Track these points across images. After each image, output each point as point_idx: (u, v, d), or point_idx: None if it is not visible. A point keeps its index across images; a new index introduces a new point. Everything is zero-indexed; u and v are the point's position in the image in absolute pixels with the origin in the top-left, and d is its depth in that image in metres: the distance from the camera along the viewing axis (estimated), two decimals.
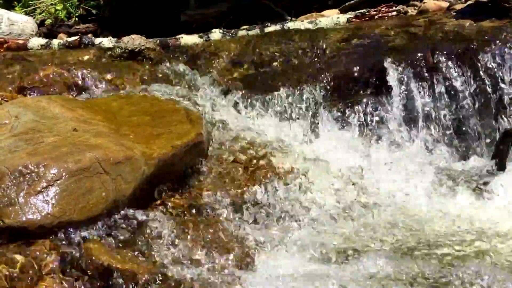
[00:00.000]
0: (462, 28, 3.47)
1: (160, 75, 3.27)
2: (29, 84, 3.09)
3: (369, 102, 3.13)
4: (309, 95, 3.14)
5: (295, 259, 2.27)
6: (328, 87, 3.17)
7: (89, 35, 4.09)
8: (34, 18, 4.60)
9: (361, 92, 3.19)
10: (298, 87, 3.17)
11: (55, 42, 3.73)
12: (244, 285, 2.07)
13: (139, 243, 2.13)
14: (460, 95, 3.17)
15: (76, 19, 4.76)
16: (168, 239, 2.17)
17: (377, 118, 3.11)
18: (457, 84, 3.18)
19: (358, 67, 3.24)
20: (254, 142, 2.77)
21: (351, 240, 2.40)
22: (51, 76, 3.11)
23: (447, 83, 3.18)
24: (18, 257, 1.91)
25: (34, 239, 1.95)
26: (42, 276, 1.91)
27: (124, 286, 1.96)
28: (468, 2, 3.78)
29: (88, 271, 1.97)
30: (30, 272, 1.90)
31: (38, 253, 1.93)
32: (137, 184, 2.19)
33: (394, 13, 3.89)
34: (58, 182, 2.02)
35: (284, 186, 2.59)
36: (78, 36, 3.78)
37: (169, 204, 2.36)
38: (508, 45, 3.25)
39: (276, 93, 3.14)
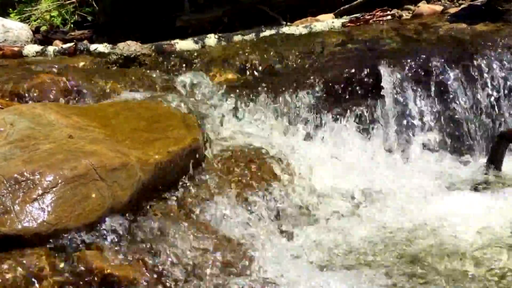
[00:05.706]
0: (456, 31, 3.49)
1: (156, 81, 3.27)
2: (24, 91, 3.08)
3: (364, 105, 3.14)
4: (305, 98, 3.15)
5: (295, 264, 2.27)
6: (324, 91, 3.18)
7: (85, 42, 4.10)
8: (29, 25, 4.61)
9: (357, 95, 3.19)
10: (294, 91, 3.17)
11: (51, 49, 3.73)
12: None
13: (137, 249, 2.12)
14: (455, 97, 3.18)
15: (72, 25, 4.76)
16: (165, 245, 2.16)
17: (372, 120, 3.11)
18: (452, 86, 3.19)
19: (353, 71, 3.25)
20: (252, 146, 2.77)
21: None
22: (46, 83, 3.10)
23: (441, 86, 3.19)
24: (14, 266, 1.90)
25: (30, 247, 1.94)
26: (38, 285, 1.90)
27: None
28: (462, 6, 3.81)
29: (85, 279, 1.96)
30: (26, 280, 1.89)
31: (34, 261, 1.92)
32: (134, 191, 2.19)
33: (389, 17, 3.92)
34: (54, 189, 2.01)
35: (282, 190, 2.58)
36: (74, 43, 3.79)
37: (166, 210, 2.35)
38: (502, 47, 3.27)
39: (273, 97, 3.15)
